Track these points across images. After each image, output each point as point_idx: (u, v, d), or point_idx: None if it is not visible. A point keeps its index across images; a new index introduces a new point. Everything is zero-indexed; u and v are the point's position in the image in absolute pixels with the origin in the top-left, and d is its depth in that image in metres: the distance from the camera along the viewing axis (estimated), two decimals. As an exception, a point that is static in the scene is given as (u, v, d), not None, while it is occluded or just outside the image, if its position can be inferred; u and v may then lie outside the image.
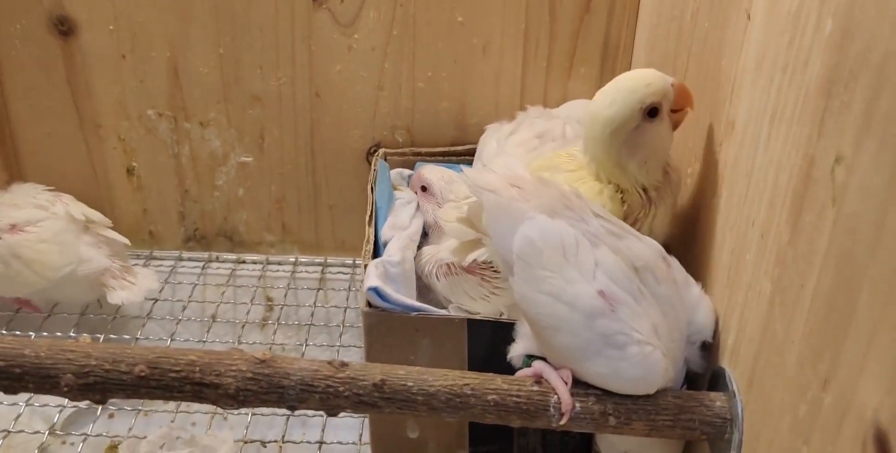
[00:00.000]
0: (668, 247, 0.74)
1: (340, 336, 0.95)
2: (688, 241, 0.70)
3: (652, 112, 0.63)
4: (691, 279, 0.62)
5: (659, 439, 0.62)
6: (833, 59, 0.45)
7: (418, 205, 0.83)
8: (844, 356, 0.42)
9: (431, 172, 0.83)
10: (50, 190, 0.93)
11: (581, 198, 0.60)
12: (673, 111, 0.64)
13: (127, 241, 0.92)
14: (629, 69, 0.92)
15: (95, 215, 0.91)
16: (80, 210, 0.91)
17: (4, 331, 0.91)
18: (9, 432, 0.78)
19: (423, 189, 0.82)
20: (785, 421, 0.49)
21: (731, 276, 0.59)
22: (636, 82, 0.63)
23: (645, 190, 0.66)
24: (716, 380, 0.60)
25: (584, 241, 0.58)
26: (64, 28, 0.93)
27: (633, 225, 0.67)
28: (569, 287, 0.56)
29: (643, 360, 0.56)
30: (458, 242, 0.72)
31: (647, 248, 0.59)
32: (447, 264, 0.73)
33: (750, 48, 0.57)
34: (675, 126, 0.65)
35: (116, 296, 0.87)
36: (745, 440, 0.55)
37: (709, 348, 0.62)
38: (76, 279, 0.88)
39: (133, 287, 0.89)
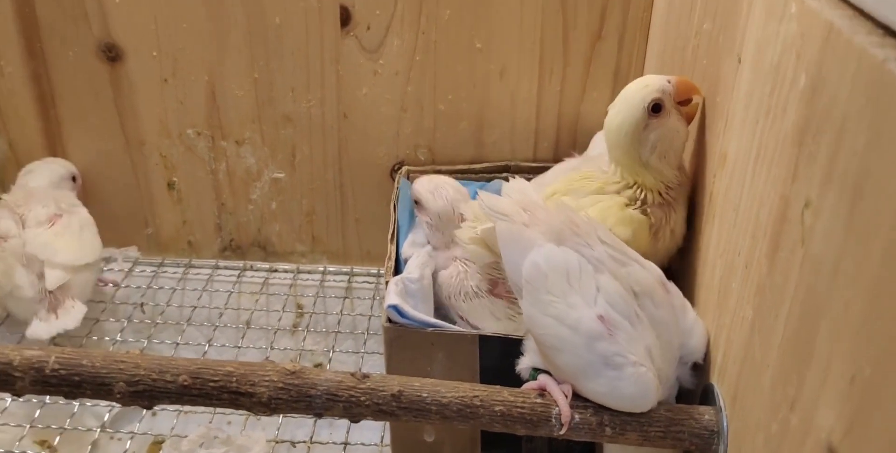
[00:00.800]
0: (671, 269, 0.79)
1: (365, 342, 0.99)
2: (686, 264, 0.73)
3: (655, 108, 0.68)
4: (688, 304, 0.65)
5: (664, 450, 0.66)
6: (805, 111, 0.48)
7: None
8: (807, 382, 0.46)
9: (420, 185, 0.83)
10: (57, 214, 0.94)
11: (589, 225, 0.64)
12: (682, 104, 0.69)
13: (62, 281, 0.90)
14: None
15: (57, 255, 0.91)
16: (45, 245, 0.90)
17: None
18: (64, 429, 0.83)
19: (416, 202, 0.83)
20: (760, 437, 0.53)
21: (721, 300, 0.62)
22: (635, 87, 0.70)
23: (667, 188, 0.71)
24: (706, 395, 0.63)
25: (588, 267, 0.61)
26: (112, 55, 0.97)
27: (657, 233, 0.72)
28: (571, 311, 0.60)
29: (637, 380, 0.59)
30: (478, 245, 0.77)
31: (648, 274, 0.63)
32: (472, 288, 0.78)
33: (740, 89, 0.61)
34: (689, 118, 0.70)
35: (30, 329, 0.87)
36: (729, 451, 0.59)
37: (700, 368, 0.65)
38: (15, 299, 0.90)
39: (53, 321, 0.88)
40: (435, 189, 0.82)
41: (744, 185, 0.59)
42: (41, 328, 0.87)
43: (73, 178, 1.01)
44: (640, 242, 0.71)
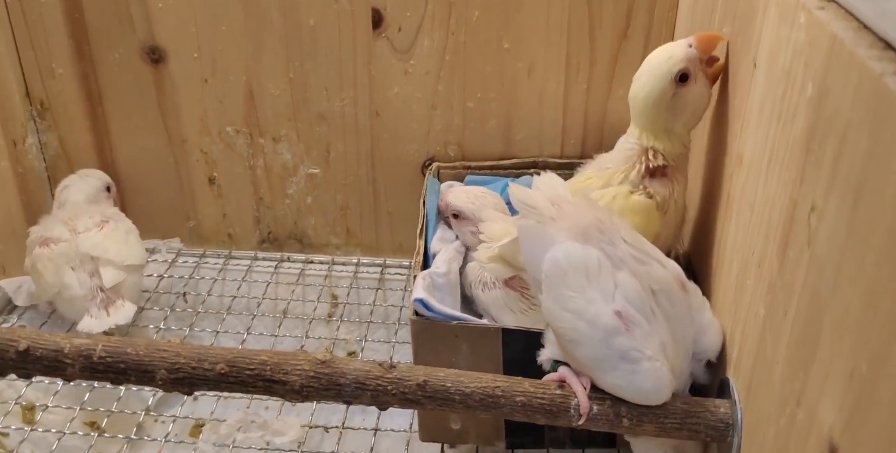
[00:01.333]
0: (690, 262, 0.80)
1: (396, 332, 1.02)
2: (706, 259, 0.75)
3: (682, 77, 0.69)
4: (706, 303, 0.67)
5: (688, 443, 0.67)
6: (812, 118, 0.49)
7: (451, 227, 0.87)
8: (812, 378, 0.48)
9: (457, 198, 0.86)
10: (104, 220, 0.97)
11: (614, 224, 0.65)
12: (707, 63, 0.70)
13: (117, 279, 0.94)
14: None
15: (108, 252, 0.94)
16: (96, 244, 0.94)
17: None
18: (112, 412, 0.88)
19: (455, 216, 0.86)
20: (771, 430, 0.54)
21: (737, 296, 0.64)
22: (659, 58, 0.70)
23: (675, 156, 0.72)
24: (722, 389, 0.65)
25: (607, 264, 0.63)
26: (155, 56, 1.01)
27: (665, 210, 0.73)
28: (590, 306, 0.62)
29: (653, 374, 0.61)
30: (497, 263, 0.79)
31: (667, 273, 0.65)
32: (489, 279, 0.80)
33: (755, 93, 0.62)
34: (714, 77, 0.71)
35: (82, 323, 0.90)
36: (742, 443, 0.61)
37: (714, 365, 0.67)
38: (63, 299, 0.93)
39: (105, 318, 0.91)
40: (475, 198, 0.85)
41: (758, 186, 0.60)
42: (93, 324, 0.90)
43: (108, 188, 1.04)
44: (652, 224, 0.73)
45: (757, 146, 0.61)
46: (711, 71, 0.71)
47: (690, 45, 0.69)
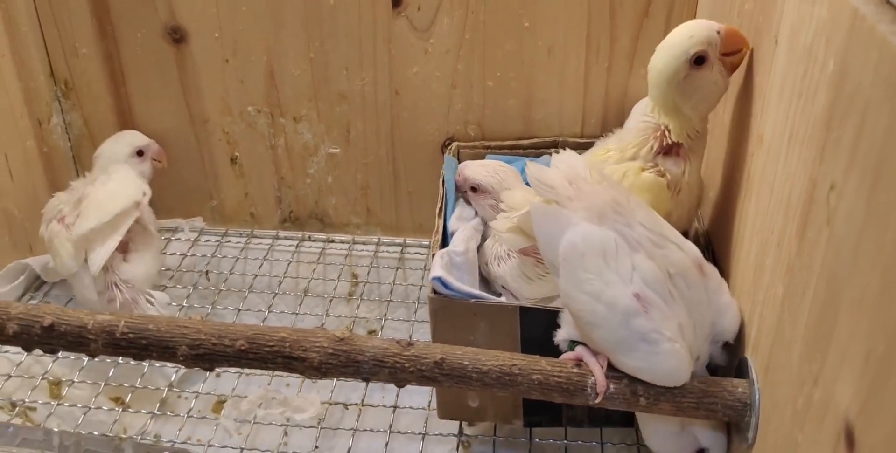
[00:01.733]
0: (710, 241, 0.80)
1: (416, 311, 1.02)
2: (726, 239, 0.74)
3: (699, 60, 0.68)
4: (724, 286, 0.66)
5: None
6: (833, 95, 0.49)
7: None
8: (829, 359, 0.48)
9: (475, 172, 0.86)
10: (128, 245, 0.95)
11: (632, 205, 0.65)
12: (726, 55, 0.68)
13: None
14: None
15: (138, 281, 0.94)
16: (123, 271, 0.94)
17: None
18: (136, 387, 0.89)
19: (474, 189, 0.86)
20: (788, 411, 0.54)
21: (756, 276, 0.64)
22: (681, 35, 0.69)
23: (688, 138, 0.72)
24: (740, 368, 0.65)
25: (624, 246, 0.62)
26: (177, 36, 1.01)
27: (678, 190, 0.73)
28: (607, 289, 0.61)
29: (673, 355, 0.61)
30: (515, 233, 0.79)
31: (684, 256, 0.64)
32: (503, 252, 0.81)
33: (776, 71, 0.61)
34: (733, 68, 0.70)
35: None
36: (760, 424, 0.61)
37: (732, 347, 0.67)
38: (77, 291, 0.94)
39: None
40: (493, 171, 0.85)
41: (778, 166, 0.60)
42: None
43: (139, 152, 1.02)
44: (662, 203, 0.73)
45: (777, 125, 0.60)
46: (730, 60, 0.69)
47: (718, 32, 0.68)
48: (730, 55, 0.69)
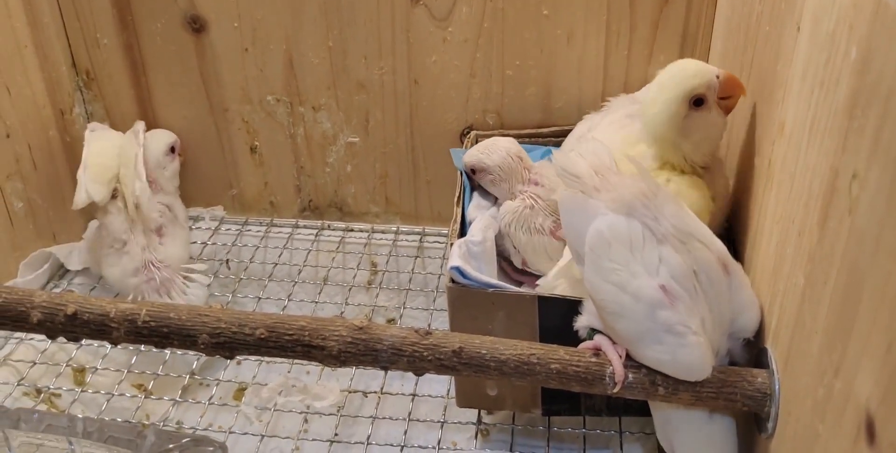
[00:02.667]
0: (731, 231, 0.79)
1: (434, 300, 1.02)
2: (746, 228, 0.74)
3: (697, 102, 0.69)
4: (747, 282, 0.66)
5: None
6: (855, 83, 0.48)
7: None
8: (849, 350, 0.47)
9: (470, 156, 0.88)
10: (162, 228, 1.00)
11: (659, 197, 0.63)
12: (722, 98, 0.69)
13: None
14: (707, 57, 0.95)
15: (168, 258, 0.99)
16: (156, 249, 0.98)
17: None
18: (158, 375, 0.90)
19: (474, 172, 0.88)
20: (808, 401, 0.54)
21: (776, 266, 0.63)
22: (681, 75, 0.69)
23: (693, 169, 0.72)
24: (760, 359, 0.64)
25: (651, 238, 0.62)
26: (196, 26, 1.01)
27: (713, 197, 0.73)
28: (633, 279, 0.61)
29: (697, 349, 0.61)
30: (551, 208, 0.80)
31: (709, 254, 0.63)
32: (536, 224, 0.81)
33: (798, 58, 0.60)
34: (727, 111, 0.70)
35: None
36: (780, 414, 0.60)
37: (752, 343, 0.66)
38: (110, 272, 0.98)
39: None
40: (485, 148, 0.87)
41: (799, 154, 0.59)
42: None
43: (172, 149, 1.05)
44: (706, 201, 0.73)
45: (799, 114, 0.60)
46: (725, 103, 0.70)
47: (717, 77, 0.69)
48: (726, 99, 0.70)
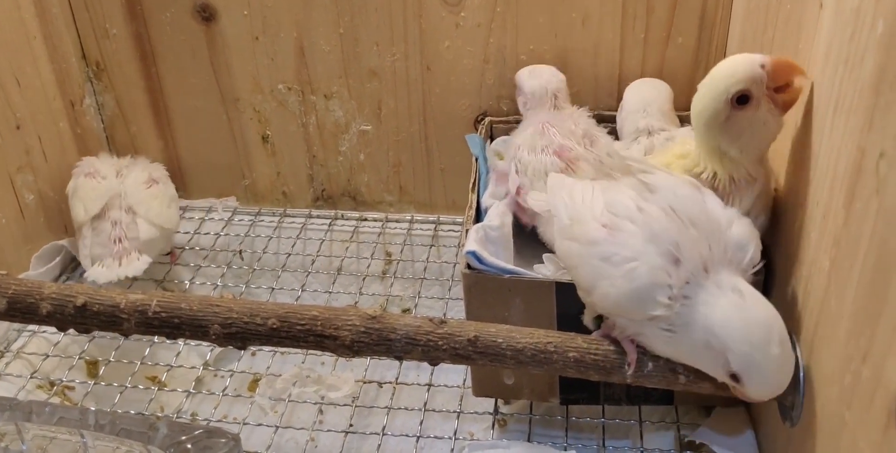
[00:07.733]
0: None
1: (450, 289, 1.02)
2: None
3: (741, 100, 0.62)
4: (735, 214, 0.62)
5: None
6: (882, 58, 0.47)
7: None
8: (878, 335, 0.46)
9: (522, 71, 0.91)
10: (154, 180, 1.00)
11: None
12: (777, 90, 0.62)
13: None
14: (725, 39, 0.93)
15: (150, 212, 0.97)
16: (141, 201, 0.97)
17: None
18: (171, 366, 0.90)
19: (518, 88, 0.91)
20: (834, 388, 0.53)
21: (800, 250, 0.62)
22: (721, 72, 0.63)
23: (733, 181, 0.66)
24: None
25: (598, 189, 0.65)
26: (206, 15, 1.01)
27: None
28: (579, 226, 0.63)
29: (643, 275, 0.58)
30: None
31: (673, 177, 0.65)
32: (541, 145, 0.82)
33: (821, 36, 0.59)
34: (787, 105, 0.62)
35: (91, 272, 0.93)
36: (805, 402, 0.59)
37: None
38: (91, 231, 0.96)
39: (115, 269, 0.93)
40: (532, 70, 0.90)
41: (823, 135, 0.58)
42: (101, 273, 0.92)
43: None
44: None
45: (822, 93, 0.59)
46: (782, 98, 0.62)
47: (763, 66, 0.61)
48: (781, 90, 0.62)
